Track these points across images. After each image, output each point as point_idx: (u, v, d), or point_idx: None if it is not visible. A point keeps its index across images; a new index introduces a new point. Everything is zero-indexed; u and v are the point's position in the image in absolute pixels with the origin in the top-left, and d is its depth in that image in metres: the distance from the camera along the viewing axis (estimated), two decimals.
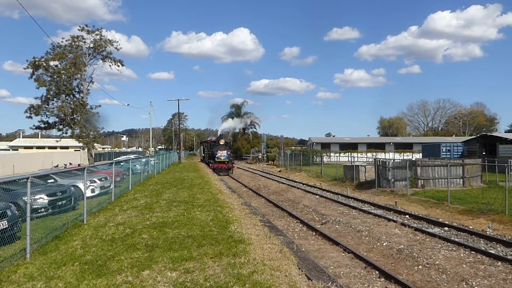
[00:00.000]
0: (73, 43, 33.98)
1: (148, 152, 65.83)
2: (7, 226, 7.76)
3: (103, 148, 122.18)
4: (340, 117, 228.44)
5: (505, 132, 73.46)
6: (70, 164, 38.11)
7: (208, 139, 56.44)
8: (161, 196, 14.60)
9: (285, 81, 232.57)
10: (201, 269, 6.01)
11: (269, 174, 37.97)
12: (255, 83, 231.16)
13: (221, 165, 37.41)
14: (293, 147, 72.42)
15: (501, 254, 9.59)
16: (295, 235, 12.33)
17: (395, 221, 13.47)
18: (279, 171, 41.81)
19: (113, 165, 16.12)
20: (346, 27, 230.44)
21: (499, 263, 8.92)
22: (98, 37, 35.01)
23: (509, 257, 9.27)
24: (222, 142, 39.53)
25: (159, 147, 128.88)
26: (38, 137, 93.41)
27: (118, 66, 36.73)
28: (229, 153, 38.82)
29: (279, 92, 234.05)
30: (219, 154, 37.66)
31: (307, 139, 76.21)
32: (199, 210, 11.38)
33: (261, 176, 35.85)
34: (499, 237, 11.12)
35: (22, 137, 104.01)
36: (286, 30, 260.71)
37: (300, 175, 35.14)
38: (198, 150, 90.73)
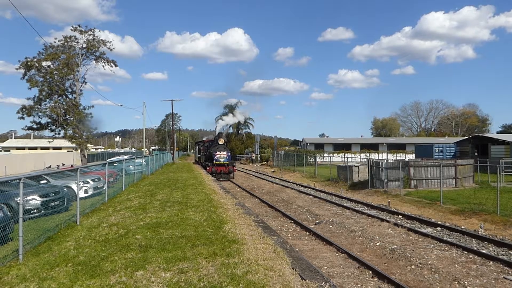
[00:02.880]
0: (65, 43, 33.79)
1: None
2: None
3: (96, 148, 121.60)
4: (333, 117, 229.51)
5: (497, 133, 74.04)
6: (63, 165, 37.92)
7: (204, 138, 50.20)
8: (154, 197, 14.56)
9: (279, 82, 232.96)
10: (195, 269, 6.01)
11: (263, 174, 37.97)
12: (249, 83, 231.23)
13: (220, 168, 32.38)
14: (286, 148, 72.59)
15: (492, 253, 9.68)
16: (289, 235, 12.36)
17: (388, 221, 13.54)
18: (273, 171, 41.86)
19: (106, 165, 16.05)
20: (340, 28, 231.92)
21: (491, 262, 9.00)
22: (91, 37, 34.85)
23: (500, 256, 9.37)
24: (221, 141, 34.31)
25: (153, 147, 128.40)
26: (30, 138, 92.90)
27: (111, 66, 36.61)
28: (229, 154, 33.65)
29: (273, 92, 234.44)
30: (218, 156, 32.51)
31: (301, 140, 76.35)
32: (193, 210, 11.36)
33: (255, 176, 35.87)
34: (490, 237, 11.22)
35: (14, 138, 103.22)
36: (280, 30, 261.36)
37: (293, 176, 35.21)
38: (193, 151, 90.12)
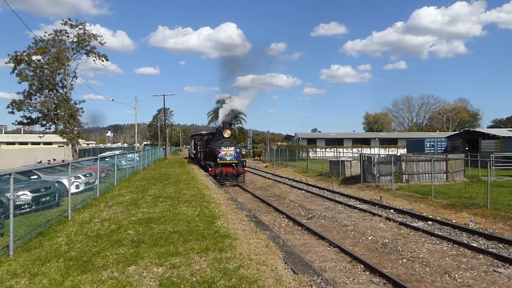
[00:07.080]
0: (56, 37, 33.45)
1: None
2: None
3: (87, 144, 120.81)
4: (326, 112, 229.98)
5: (488, 127, 74.81)
6: (54, 160, 37.65)
7: (203, 132, 39.89)
8: (147, 192, 14.50)
9: (272, 77, 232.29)
10: (188, 264, 6.00)
11: (256, 169, 37.97)
12: (242, 78, 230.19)
13: (226, 169, 24.50)
14: (279, 143, 72.67)
15: (482, 247, 9.79)
16: (281, 230, 12.39)
17: (380, 216, 13.62)
18: (266, 166, 41.88)
19: (98, 160, 15.94)
20: (333, 23, 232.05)
21: (481, 255, 9.10)
22: (81, 31, 34.54)
23: (490, 249, 9.47)
24: (227, 133, 26.36)
25: (145, 142, 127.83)
26: (20, 133, 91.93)
27: (103, 61, 36.33)
28: (238, 150, 25.49)
29: (266, 87, 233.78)
30: (223, 153, 24.69)
31: (293, 135, 76.40)
32: (185, 205, 11.34)
33: (247, 171, 35.82)
34: (481, 230, 11.33)
35: (4, 133, 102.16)
36: (273, 25, 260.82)
37: (286, 171, 35.25)
38: (187, 147, 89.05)
